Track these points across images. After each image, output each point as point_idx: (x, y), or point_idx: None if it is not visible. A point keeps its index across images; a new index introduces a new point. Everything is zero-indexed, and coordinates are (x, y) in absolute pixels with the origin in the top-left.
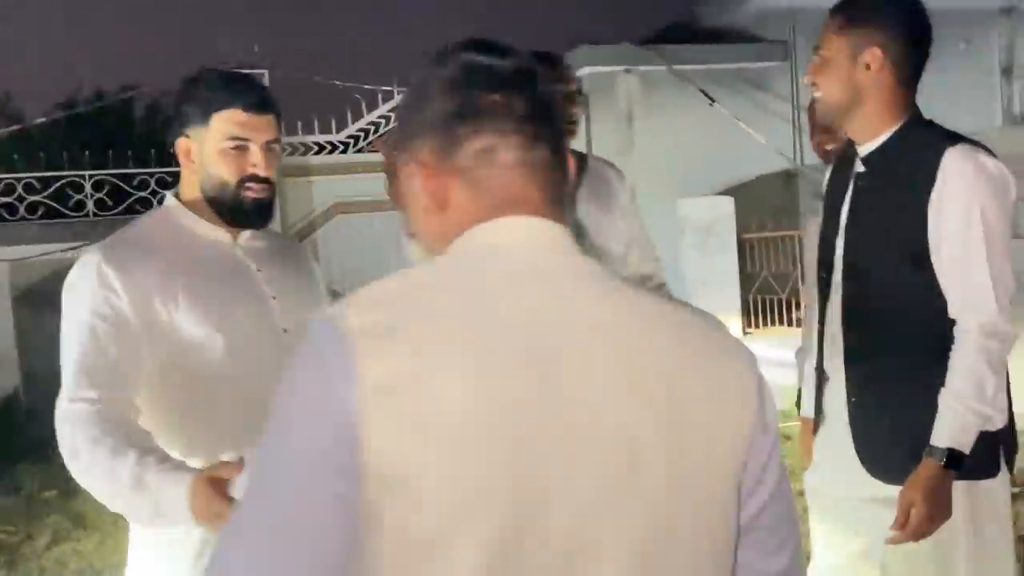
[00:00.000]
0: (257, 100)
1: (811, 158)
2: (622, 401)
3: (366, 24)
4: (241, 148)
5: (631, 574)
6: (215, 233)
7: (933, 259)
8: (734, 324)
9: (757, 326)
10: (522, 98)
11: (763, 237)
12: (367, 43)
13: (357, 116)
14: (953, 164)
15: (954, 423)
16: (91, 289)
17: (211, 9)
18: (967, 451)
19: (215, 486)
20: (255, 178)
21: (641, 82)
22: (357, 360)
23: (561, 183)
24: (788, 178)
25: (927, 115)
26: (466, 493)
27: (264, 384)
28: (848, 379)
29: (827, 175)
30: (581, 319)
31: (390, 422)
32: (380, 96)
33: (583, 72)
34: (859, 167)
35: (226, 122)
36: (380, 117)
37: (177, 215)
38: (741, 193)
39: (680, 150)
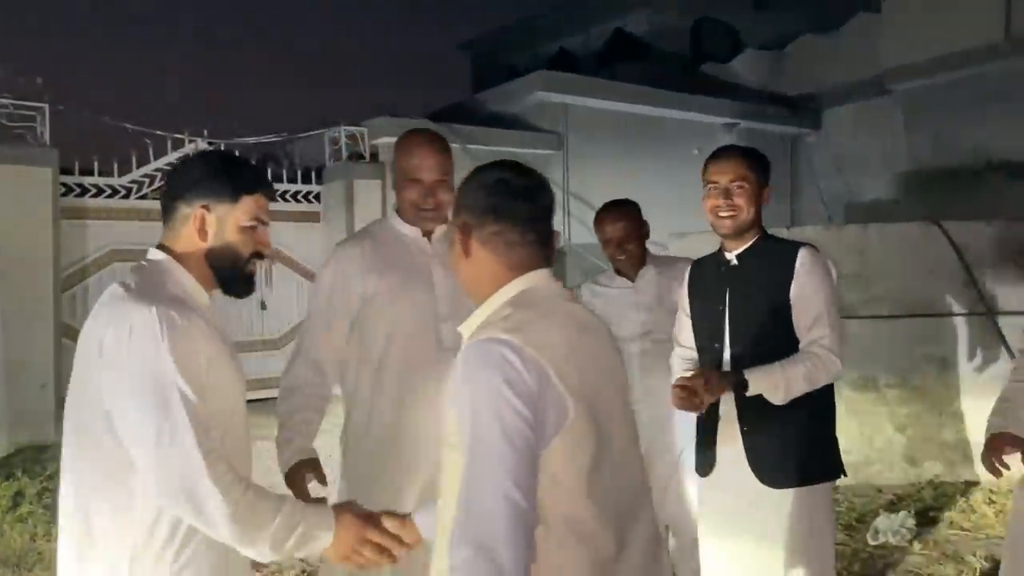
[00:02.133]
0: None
1: (578, 238)
2: (610, 350)
3: (168, 71)
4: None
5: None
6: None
7: (794, 323)
8: None
9: None
10: (525, 205)
11: None
12: (165, 89)
13: (143, 162)
14: (805, 260)
15: (765, 375)
16: None
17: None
18: (748, 390)
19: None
20: (261, 255)
21: None
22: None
23: (546, 252)
24: (558, 255)
25: (665, 210)
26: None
27: None
28: (740, 416)
29: (687, 274)
30: (587, 314)
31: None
32: (170, 143)
33: (381, 141)
34: (733, 262)
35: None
36: (168, 165)
37: (174, 272)
38: None
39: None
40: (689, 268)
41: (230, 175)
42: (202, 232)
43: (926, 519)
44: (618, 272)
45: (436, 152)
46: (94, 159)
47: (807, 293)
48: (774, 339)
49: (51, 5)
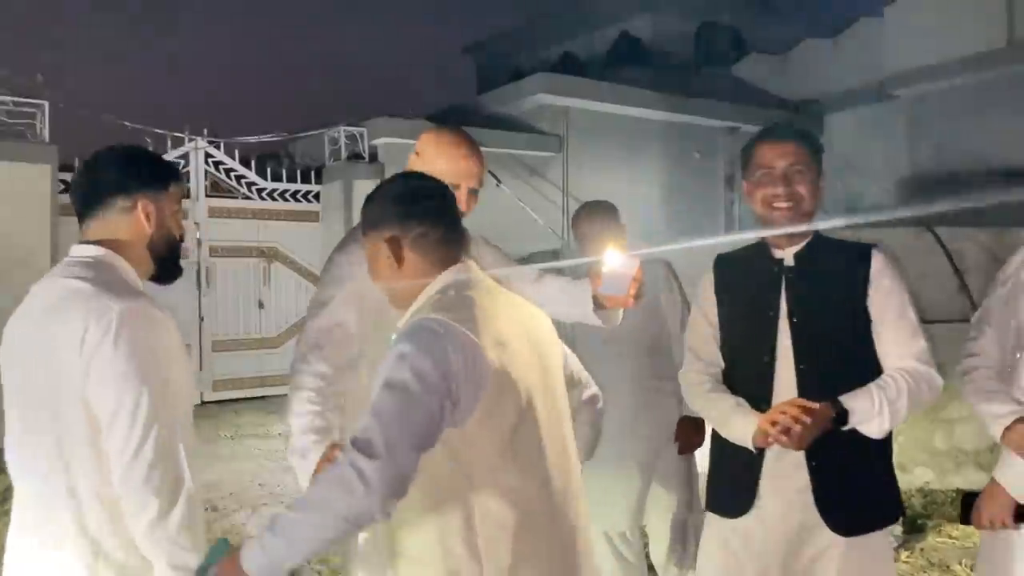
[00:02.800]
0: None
1: None
2: (541, 330)
3: (168, 70)
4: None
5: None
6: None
7: (875, 337)
8: None
9: None
10: (439, 203)
11: None
12: (165, 87)
13: None
14: (883, 265)
15: (867, 403)
16: None
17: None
18: (849, 420)
19: None
20: (182, 238)
21: None
22: (462, 332)
23: (464, 247)
24: (555, 255)
25: (672, 216)
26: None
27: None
28: (808, 450)
29: (711, 276)
30: (510, 298)
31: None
32: (170, 141)
33: (380, 142)
34: (789, 262)
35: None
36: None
37: (119, 265)
38: None
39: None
40: (671, 270)
41: (159, 167)
42: (148, 221)
43: (915, 527)
44: None
45: (480, 162)
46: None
47: (893, 303)
48: (849, 355)
49: (51, 2)
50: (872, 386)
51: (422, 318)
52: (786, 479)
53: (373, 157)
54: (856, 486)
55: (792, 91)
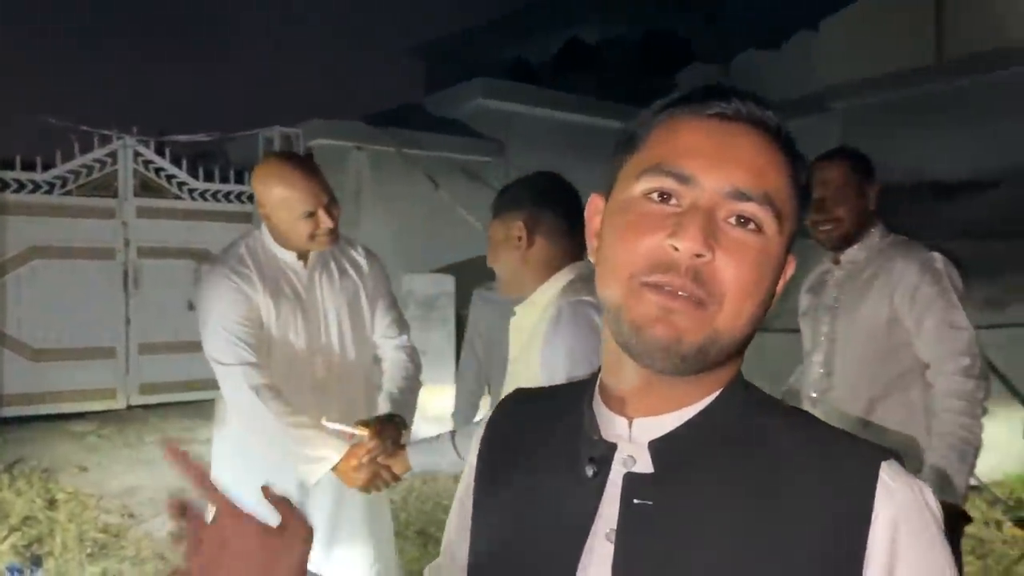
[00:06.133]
0: None
1: None
2: None
3: (97, 67)
4: None
5: None
6: None
7: None
8: (449, 393)
9: None
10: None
11: None
12: (96, 86)
13: (68, 157)
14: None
15: None
16: None
17: None
18: None
19: None
20: None
21: (370, 160)
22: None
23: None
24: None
25: None
26: None
27: None
28: None
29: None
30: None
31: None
32: (97, 140)
33: (316, 143)
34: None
35: None
36: (95, 161)
37: None
38: (455, 272)
39: (404, 228)
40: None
41: None
42: None
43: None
44: None
45: (322, 177)
46: (15, 154)
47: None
48: None
49: None
50: None
51: (579, 300)
52: None
53: (309, 158)
54: None
55: None
